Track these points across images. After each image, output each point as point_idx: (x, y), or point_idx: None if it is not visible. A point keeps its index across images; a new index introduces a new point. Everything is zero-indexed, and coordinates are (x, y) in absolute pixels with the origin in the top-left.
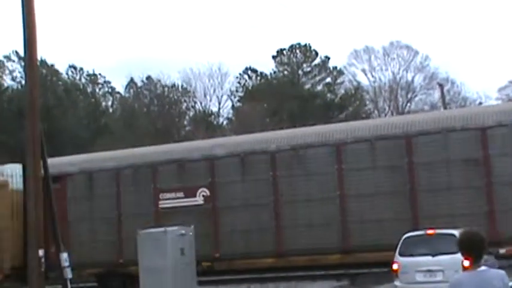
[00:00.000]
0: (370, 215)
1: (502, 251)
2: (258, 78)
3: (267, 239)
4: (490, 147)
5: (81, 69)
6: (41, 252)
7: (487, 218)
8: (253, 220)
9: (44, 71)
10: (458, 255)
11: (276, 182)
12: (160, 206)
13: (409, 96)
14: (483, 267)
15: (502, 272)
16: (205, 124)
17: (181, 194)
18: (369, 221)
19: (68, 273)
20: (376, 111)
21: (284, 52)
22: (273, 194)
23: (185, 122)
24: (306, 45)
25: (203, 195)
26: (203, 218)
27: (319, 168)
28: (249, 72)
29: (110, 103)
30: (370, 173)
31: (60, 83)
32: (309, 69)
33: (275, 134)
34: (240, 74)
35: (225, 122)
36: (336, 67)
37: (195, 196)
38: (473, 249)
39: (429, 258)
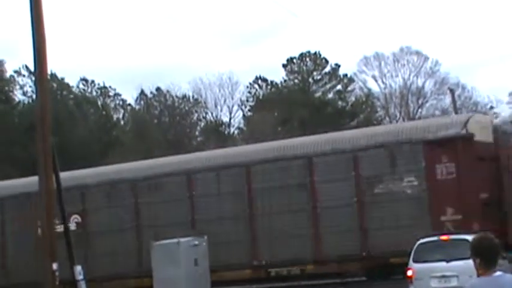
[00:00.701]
0: (220, 238)
1: None
2: (269, 87)
3: (132, 261)
4: (315, 174)
5: (92, 82)
6: (54, 266)
7: (313, 239)
8: (120, 243)
9: (55, 84)
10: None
11: (138, 208)
12: (39, 233)
13: (420, 102)
14: (498, 272)
15: None
16: (217, 134)
17: (57, 221)
18: (219, 243)
19: (83, 287)
20: (387, 118)
21: (294, 60)
22: (135, 219)
23: (196, 133)
24: (315, 53)
25: (76, 222)
26: (76, 243)
27: (174, 195)
28: (259, 81)
29: (121, 115)
30: (217, 199)
31: (71, 96)
32: (319, 77)
33: (138, 164)
34: (250, 83)
35: (236, 132)
36: (346, 74)
37: (69, 222)
38: (487, 254)
39: (443, 264)
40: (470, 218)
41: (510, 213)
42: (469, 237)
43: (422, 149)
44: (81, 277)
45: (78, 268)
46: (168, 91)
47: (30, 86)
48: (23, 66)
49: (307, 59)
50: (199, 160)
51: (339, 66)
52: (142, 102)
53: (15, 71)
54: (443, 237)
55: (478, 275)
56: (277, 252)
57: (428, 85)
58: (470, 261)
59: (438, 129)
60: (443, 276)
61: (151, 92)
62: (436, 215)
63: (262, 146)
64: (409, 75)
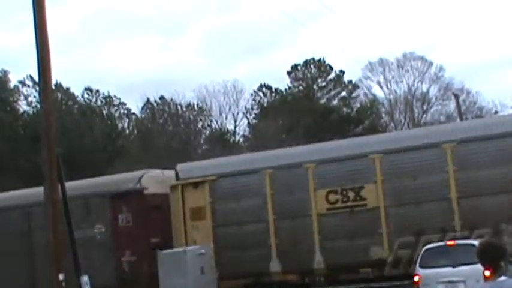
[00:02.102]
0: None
1: None
2: (273, 94)
3: None
4: (33, 221)
5: (97, 91)
6: (61, 276)
7: (29, 283)
8: None
9: (60, 94)
10: (479, 266)
11: None
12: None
13: (424, 107)
14: (503, 277)
15: None
16: (222, 142)
17: None
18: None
19: None
20: (392, 124)
21: (298, 68)
22: None
23: (201, 141)
24: (320, 60)
25: None
26: None
27: None
28: (264, 89)
29: (125, 124)
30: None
31: (76, 106)
32: (323, 84)
33: None
34: (254, 91)
35: (241, 140)
36: (350, 81)
37: None
38: (492, 259)
39: (450, 269)
40: (142, 259)
41: None
42: (476, 242)
43: (108, 201)
44: (87, 287)
45: (85, 278)
46: (172, 99)
47: (34, 97)
48: (27, 77)
49: (312, 66)
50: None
51: (344, 72)
52: (148, 110)
53: (20, 82)
54: (450, 243)
55: (485, 280)
56: None
57: (433, 90)
58: (477, 266)
59: (122, 183)
60: (450, 282)
61: (155, 101)
62: (118, 257)
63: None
64: (414, 80)
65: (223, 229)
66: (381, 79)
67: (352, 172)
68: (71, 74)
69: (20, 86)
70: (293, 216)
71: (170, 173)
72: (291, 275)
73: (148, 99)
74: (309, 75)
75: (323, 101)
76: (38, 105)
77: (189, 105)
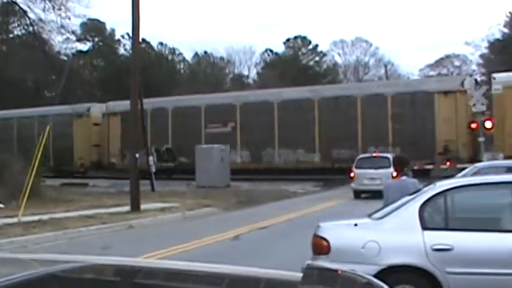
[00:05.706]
0: None
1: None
2: (274, 55)
3: None
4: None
5: (166, 44)
6: (137, 155)
7: None
8: None
9: (144, 45)
10: (390, 170)
11: None
12: None
13: (366, 71)
14: (404, 177)
15: (415, 180)
16: (240, 83)
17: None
18: None
19: (153, 169)
20: (345, 80)
21: (290, 40)
22: None
23: (227, 81)
24: (304, 37)
25: None
26: None
27: None
28: (268, 51)
29: (181, 66)
30: None
31: (153, 52)
32: (305, 51)
33: None
34: (262, 52)
35: (251, 82)
36: (321, 51)
37: None
38: (399, 165)
39: (373, 170)
40: None
41: None
42: (390, 156)
43: None
44: (152, 163)
45: (151, 158)
46: (211, 53)
47: (129, 46)
48: (126, 33)
49: (299, 40)
50: None
51: (318, 45)
52: (196, 58)
53: (121, 36)
54: (374, 154)
55: (392, 178)
56: None
57: (371, 61)
58: (388, 170)
59: None
60: (372, 178)
61: (201, 54)
62: None
63: None
64: (360, 54)
65: None
66: (341, 51)
67: None
68: (151, 30)
69: (121, 38)
70: None
71: None
72: None
73: (196, 52)
74: (296, 45)
75: (304, 62)
76: (130, 51)
77: (221, 58)
